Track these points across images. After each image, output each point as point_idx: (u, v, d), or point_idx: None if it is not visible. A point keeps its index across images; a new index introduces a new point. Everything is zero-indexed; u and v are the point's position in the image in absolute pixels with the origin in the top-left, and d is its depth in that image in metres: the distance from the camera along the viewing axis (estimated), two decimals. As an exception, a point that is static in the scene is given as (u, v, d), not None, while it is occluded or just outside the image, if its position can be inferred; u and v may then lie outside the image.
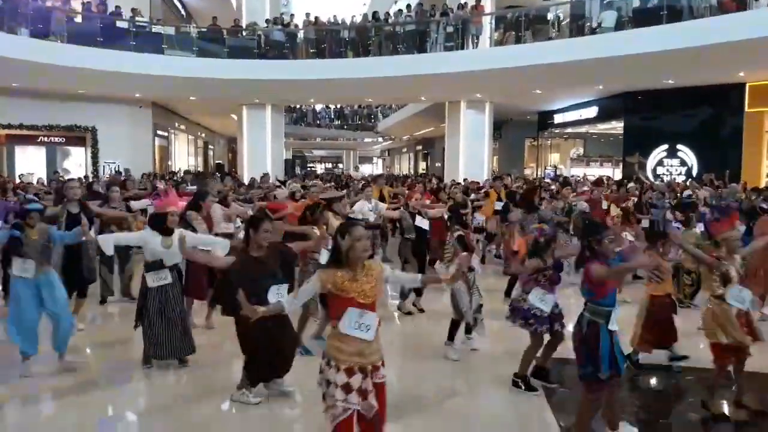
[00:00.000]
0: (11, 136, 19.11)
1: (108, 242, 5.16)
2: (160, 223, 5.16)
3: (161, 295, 5.15)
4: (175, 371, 5.31)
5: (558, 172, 24.86)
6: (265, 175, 18.07)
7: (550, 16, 15.62)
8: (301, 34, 17.97)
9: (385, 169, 50.75)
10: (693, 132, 17.44)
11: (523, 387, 4.85)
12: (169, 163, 24.62)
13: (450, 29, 16.14)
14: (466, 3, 17.03)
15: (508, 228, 9.63)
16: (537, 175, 25.39)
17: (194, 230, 6.05)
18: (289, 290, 4.33)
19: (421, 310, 7.42)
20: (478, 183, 16.24)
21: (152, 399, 4.89)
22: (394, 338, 6.34)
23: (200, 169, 30.02)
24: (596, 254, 3.80)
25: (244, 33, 18.13)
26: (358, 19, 19.18)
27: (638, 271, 7.12)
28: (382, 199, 10.01)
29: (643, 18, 13.09)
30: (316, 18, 18.44)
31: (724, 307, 4.38)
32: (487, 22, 16.59)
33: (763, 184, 14.80)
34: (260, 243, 4.39)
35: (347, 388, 2.96)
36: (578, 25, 14.61)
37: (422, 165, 38.84)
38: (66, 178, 16.95)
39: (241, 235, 5.63)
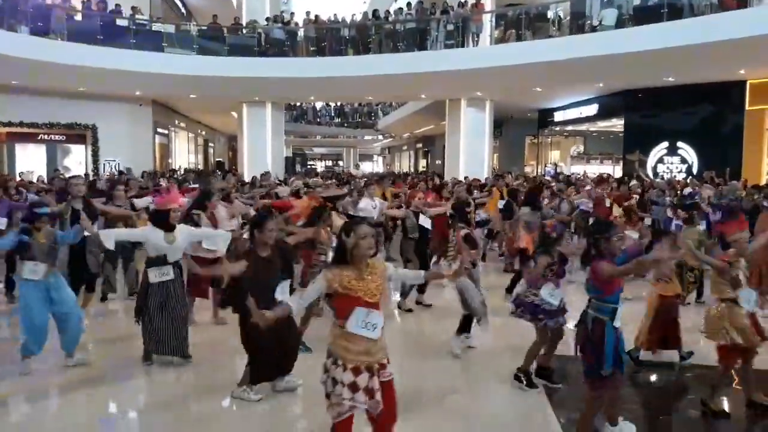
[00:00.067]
0: (11, 134, 19.10)
1: (109, 237, 5.17)
2: (162, 220, 5.17)
3: (163, 291, 5.16)
4: (177, 368, 5.31)
5: (558, 170, 24.86)
6: (267, 173, 18.08)
7: (550, 14, 15.60)
8: (301, 32, 17.97)
9: (385, 166, 50.73)
10: (693, 130, 17.43)
11: (524, 382, 4.86)
12: (170, 161, 24.62)
13: (450, 27, 16.13)
14: (466, 1, 17.04)
15: (511, 226, 9.65)
16: (537, 172, 25.38)
17: (196, 225, 6.08)
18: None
19: (429, 305, 7.44)
20: (480, 180, 16.25)
21: (154, 396, 4.91)
22: (394, 336, 6.34)
23: (200, 166, 30.01)
24: (603, 252, 3.81)
25: (244, 31, 18.12)
26: (359, 17, 19.18)
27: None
28: (384, 198, 10.04)
29: (644, 15, 13.08)
30: (317, 16, 18.43)
31: (736, 310, 4.37)
32: (488, 20, 16.58)
33: (763, 182, 14.79)
34: (266, 242, 4.41)
35: (354, 387, 2.97)
36: (579, 23, 14.59)
37: (422, 163, 38.83)
38: (66, 175, 17.03)
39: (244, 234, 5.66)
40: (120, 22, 16.57)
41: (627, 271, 3.76)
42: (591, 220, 9.53)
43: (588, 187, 11.75)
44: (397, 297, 7.61)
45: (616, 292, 3.80)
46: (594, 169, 23.20)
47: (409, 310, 7.32)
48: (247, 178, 18.04)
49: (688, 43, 11.89)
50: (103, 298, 7.59)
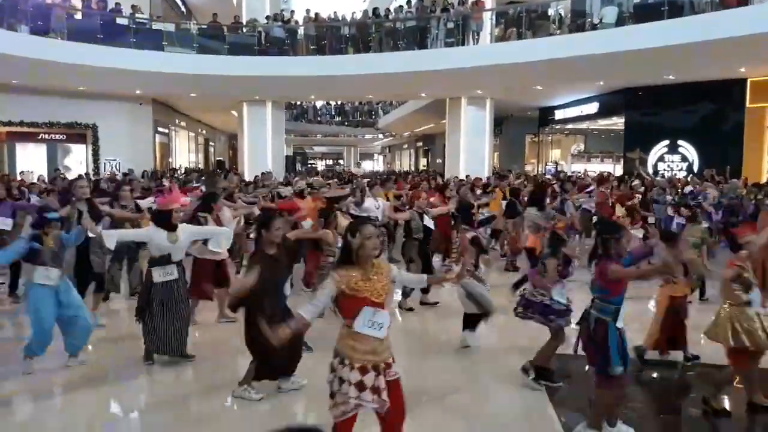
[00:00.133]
0: (12, 134, 19.10)
1: (111, 237, 5.18)
2: (164, 219, 5.19)
3: (166, 290, 5.17)
4: (179, 367, 5.32)
5: (559, 168, 24.85)
6: (268, 173, 18.09)
7: (551, 12, 15.59)
8: (301, 31, 17.95)
9: (385, 165, 50.73)
10: (694, 128, 17.42)
11: (531, 376, 4.84)
12: (170, 160, 24.61)
13: (450, 25, 16.11)
14: (466, -1, 17.01)
15: (514, 225, 9.65)
16: (538, 171, 25.38)
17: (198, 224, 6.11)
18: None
19: (435, 303, 7.46)
20: (481, 179, 16.25)
21: (156, 395, 4.91)
22: (395, 335, 6.30)
23: (201, 166, 30.01)
24: (610, 253, 3.81)
25: (244, 30, 18.10)
26: (359, 15, 19.15)
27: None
28: (386, 199, 10.09)
29: (644, 13, 13.07)
30: (317, 14, 18.42)
31: (746, 313, 4.36)
32: (488, 18, 16.56)
33: (764, 180, 14.79)
34: (273, 240, 4.45)
35: (360, 386, 2.98)
36: (579, 21, 14.57)
37: (423, 161, 38.83)
38: (66, 175, 17.03)
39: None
40: (120, 20, 16.57)
41: (636, 275, 3.77)
42: (594, 219, 9.54)
43: (591, 188, 11.75)
44: (398, 296, 7.61)
45: (621, 293, 3.81)
46: (594, 168, 23.19)
47: (410, 309, 7.32)
48: (247, 177, 18.07)
49: (689, 41, 11.88)
50: (105, 297, 7.60)
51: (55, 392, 4.91)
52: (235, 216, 7.28)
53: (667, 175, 17.01)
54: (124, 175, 17.25)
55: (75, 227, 5.65)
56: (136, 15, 16.89)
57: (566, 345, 4.98)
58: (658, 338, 5.36)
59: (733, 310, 4.41)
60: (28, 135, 19.39)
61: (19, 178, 15.26)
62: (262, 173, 18.20)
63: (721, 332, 4.44)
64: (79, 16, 16.66)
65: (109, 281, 7.44)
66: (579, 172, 21.54)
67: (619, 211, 9.40)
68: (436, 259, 8.39)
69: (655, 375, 5.35)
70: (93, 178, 15.48)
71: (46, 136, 19.74)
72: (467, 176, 17.56)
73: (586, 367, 4.85)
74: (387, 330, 3.09)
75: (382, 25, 17.42)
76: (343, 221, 6.18)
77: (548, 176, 20.65)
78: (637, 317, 5.56)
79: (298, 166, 39.34)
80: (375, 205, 8.70)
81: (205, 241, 6.31)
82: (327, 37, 17.56)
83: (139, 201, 8.09)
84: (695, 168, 17.31)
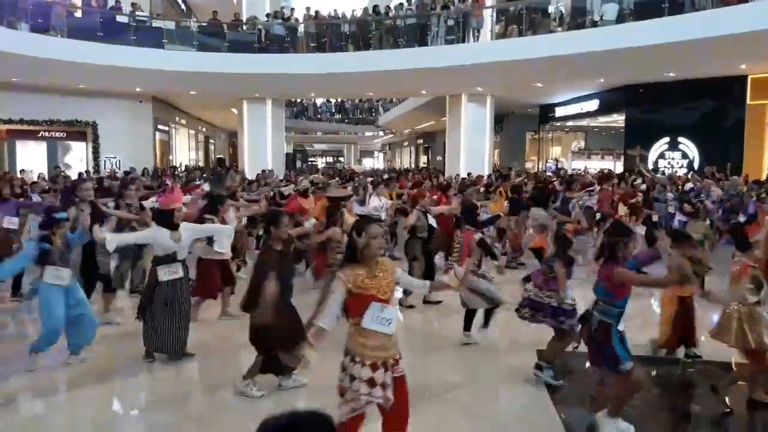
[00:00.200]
0: (12, 131, 19.11)
1: (111, 242, 5.20)
2: (167, 219, 5.22)
3: (171, 289, 5.20)
4: (180, 365, 5.33)
5: (559, 166, 24.83)
6: (270, 171, 18.09)
7: (551, 9, 15.56)
8: (301, 28, 17.93)
9: (386, 163, 50.70)
10: (694, 125, 17.40)
11: (548, 373, 4.86)
12: (170, 157, 24.60)
13: (451, 22, 16.08)
14: (466, -4, 16.96)
15: (517, 223, 9.65)
16: (538, 168, 25.37)
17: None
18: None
19: (438, 302, 7.47)
20: (483, 177, 16.27)
21: (158, 393, 4.92)
22: (398, 332, 6.33)
23: (201, 163, 30.00)
24: (617, 255, 3.81)
25: (244, 27, 18.09)
26: (359, 12, 19.10)
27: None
28: (389, 198, 10.14)
29: (645, 10, 13.03)
30: (317, 12, 18.39)
31: (756, 315, 4.36)
32: (488, 15, 16.52)
33: (764, 177, 14.78)
34: (282, 237, 4.55)
35: (372, 383, 3.02)
36: (579, 18, 14.55)
37: (423, 159, 38.80)
38: (66, 173, 17.04)
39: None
40: (120, 18, 16.56)
41: (649, 283, 3.77)
42: (598, 216, 9.52)
43: (593, 187, 11.75)
44: (399, 294, 7.61)
45: (625, 297, 3.82)
46: (595, 165, 23.16)
47: (411, 306, 7.33)
48: (248, 175, 18.06)
49: (690, 38, 11.86)
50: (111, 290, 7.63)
51: (58, 390, 4.93)
52: (239, 216, 7.32)
53: (667, 172, 17.00)
54: (125, 173, 17.26)
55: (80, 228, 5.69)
56: (136, 13, 16.89)
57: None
58: (670, 337, 5.34)
59: (742, 309, 4.40)
60: (28, 133, 19.39)
61: (19, 176, 15.23)
62: (263, 171, 18.23)
63: (727, 333, 4.44)
64: (79, 13, 16.66)
65: (117, 278, 7.48)
66: (579, 170, 21.53)
67: (622, 210, 9.37)
68: (438, 258, 8.39)
69: (655, 372, 5.35)
70: (96, 177, 15.50)
71: (47, 133, 19.75)
72: (469, 174, 17.55)
73: (587, 365, 4.87)
74: (395, 326, 3.13)
75: (382, 23, 17.40)
76: (350, 219, 6.21)
77: (549, 173, 20.64)
78: (639, 314, 5.56)
79: (299, 164, 39.35)
80: (379, 205, 8.74)
81: (210, 242, 6.34)
82: (327, 34, 17.54)
83: (143, 202, 8.13)
84: (696, 165, 17.30)
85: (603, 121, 23.41)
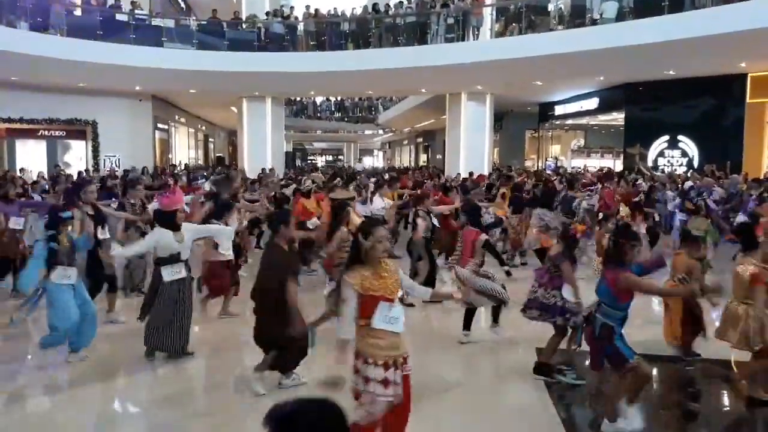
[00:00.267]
0: (11, 130, 19.09)
1: (122, 255, 5.22)
2: (170, 220, 5.23)
3: (174, 288, 5.22)
4: (181, 363, 5.34)
5: (558, 164, 24.83)
6: (271, 170, 18.09)
7: (551, 7, 15.55)
8: (301, 27, 17.91)
9: (385, 161, 50.68)
10: (694, 123, 17.39)
11: (570, 374, 4.90)
12: (170, 156, 24.60)
13: (451, 21, 16.06)
14: (466, -6, 16.94)
15: (520, 220, 9.67)
16: (538, 167, 25.36)
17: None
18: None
19: (439, 301, 7.48)
20: (484, 176, 16.26)
21: (160, 390, 4.94)
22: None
23: (201, 162, 30.00)
24: (623, 258, 3.82)
25: (243, 25, 18.07)
26: (358, 11, 19.09)
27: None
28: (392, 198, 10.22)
29: (645, 8, 13.02)
30: (316, 10, 18.36)
31: (763, 315, 4.36)
32: (488, 14, 16.51)
33: (762, 175, 14.77)
34: (290, 236, 4.64)
35: (386, 383, 3.05)
36: (579, 16, 14.53)
37: (423, 157, 38.79)
38: (66, 171, 17.05)
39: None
40: (119, 17, 16.55)
41: (655, 292, 3.79)
42: (600, 216, 9.51)
43: (595, 186, 11.75)
44: (399, 292, 7.62)
45: (629, 301, 3.83)
46: (594, 163, 23.14)
47: (410, 305, 7.32)
48: (248, 173, 18.05)
49: (689, 36, 11.85)
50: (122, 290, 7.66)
51: (61, 388, 4.95)
52: (241, 218, 7.37)
53: (667, 170, 16.99)
54: (125, 172, 17.26)
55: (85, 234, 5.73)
56: (136, 11, 16.86)
57: (565, 340, 5.01)
58: (682, 337, 5.31)
59: (750, 312, 4.39)
60: (27, 131, 19.38)
61: (19, 174, 15.23)
62: (263, 170, 18.24)
63: (732, 333, 4.44)
64: (78, 12, 16.65)
65: (127, 277, 7.53)
66: (579, 168, 21.53)
67: (624, 210, 9.34)
68: (439, 258, 8.42)
69: (654, 371, 5.36)
70: (99, 176, 15.52)
71: (46, 132, 19.74)
72: (471, 173, 17.52)
73: (586, 362, 4.88)
74: (403, 324, 3.15)
75: (381, 21, 17.38)
76: (356, 219, 6.26)
77: (548, 172, 20.64)
78: (641, 312, 5.56)
79: (298, 162, 39.32)
80: (382, 205, 8.79)
81: (215, 245, 6.37)
82: (327, 33, 17.52)
83: (148, 205, 8.17)
84: (695, 163, 17.29)
85: (603, 119, 23.38)
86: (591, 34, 13.43)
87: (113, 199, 8.71)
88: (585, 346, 4.48)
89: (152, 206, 8.09)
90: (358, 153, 52.05)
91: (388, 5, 18.33)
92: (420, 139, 39.51)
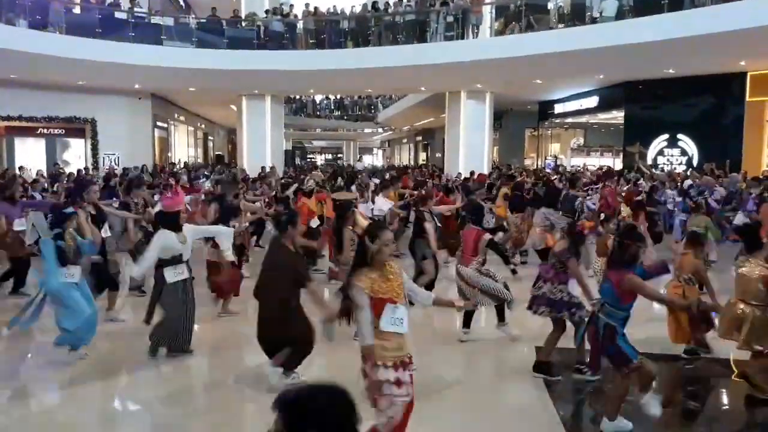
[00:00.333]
0: (10, 128, 19.05)
1: (140, 275, 5.20)
2: (173, 221, 5.25)
3: (177, 289, 5.23)
4: (183, 361, 5.35)
5: (558, 163, 24.83)
6: (272, 168, 18.06)
7: (550, 5, 15.53)
8: (300, 25, 17.88)
9: (385, 159, 50.66)
10: (694, 121, 17.39)
11: (587, 372, 4.90)
12: (169, 154, 24.58)
13: (450, 19, 16.04)
14: (466, -8, 16.92)
15: (523, 219, 9.67)
16: (537, 165, 25.36)
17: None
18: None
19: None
20: (485, 176, 16.25)
21: (162, 388, 4.95)
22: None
23: (200, 160, 29.97)
24: (628, 258, 3.82)
25: (243, 23, 18.04)
26: (358, 9, 19.07)
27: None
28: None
29: (644, 7, 13.01)
30: (316, 8, 18.34)
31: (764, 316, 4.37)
32: (488, 12, 16.50)
33: (761, 174, 14.77)
34: (295, 236, 4.71)
35: (399, 383, 3.08)
36: (579, 15, 14.52)
37: (422, 155, 38.78)
38: (66, 170, 17.03)
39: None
40: (118, 15, 16.51)
41: (656, 298, 3.81)
42: (602, 216, 9.50)
43: (596, 185, 11.74)
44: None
45: (631, 302, 3.84)
46: (594, 162, 23.15)
47: (411, 304, 7.33)
48: (247, 171, 18.03)
49: (689, 35, 11.84)
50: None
51: (62, 386, 4.95)
52: (241, 219, 7.39)
53: (666, 169, 17.00)
54: (124, 170, 17.25)
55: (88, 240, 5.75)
56: (135, 9, 16.83)
57: (566, 339, 5.02)
58: (691, 337, 5.29)
59: (756, 314, 4.38)
60: (26, 129, 19.34)
61: (18, 173, 15.22)
62: (263, 168, 18.23)
63: (737, 334, 4.44)
64: (77, 10, 16.60)
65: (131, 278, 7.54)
66: (578, 167, 21.52)
67: (625, 211, 9.35)
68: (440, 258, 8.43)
69: (658, 369, 5.36)
70: (103, 175, 15.53)
71: (45, 130, 19.71)
72: (472, 173, 17.47)
73: (586, 360, 4.89)
74: (407, 324, 3.17)
75: (381, 19, 17.36)
76: (362, 221, 6.27)
77: (548, 170, 20.63)
78: (642, 311, 5.56)
79: (297, 161, 39.28)
80: (387, 206, 8.82)
81: (215, 245, 6.38)
82: (326, 31, 17.50)
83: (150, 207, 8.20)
84: (695, 162, 17.29)
85: (602, 117, 23.38)
86: (591, 33, 13.41)
87: (114, 198, 8.73)
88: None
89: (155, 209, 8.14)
90: (358, 151, 52.00)
91: (387, 3, 18.30)
92: (419, 138, 39.48)
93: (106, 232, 6.37)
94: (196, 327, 5.55)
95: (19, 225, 7.32)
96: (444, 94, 21.10)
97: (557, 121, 25.39)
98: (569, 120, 24.92)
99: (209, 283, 6.63)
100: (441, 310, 7.08)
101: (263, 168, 18.41)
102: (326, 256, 8.31)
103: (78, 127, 19.84)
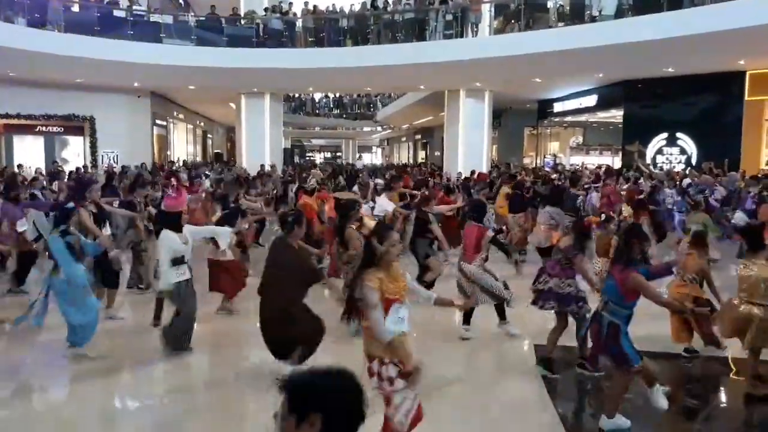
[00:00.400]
0: (9, 126, 19.05)
1: (168, 286, 5.20)
2: (175, 221, 5.27)
3: (178, 288, 5.23)
4: (181, 358, 5.35)
5: (557, 161, 24.84)
6: (272, 167, 18.05)
7: (550, 4, 15.53)
8: (299, 23, 17.87)
9: (384, 158, 50.64)
10: (693, 120, 17.41)
11: (592, 368, 4.91)
12: (168, 152, 24.56)
13: (449, 17, 16.03)
14: (465, -9, 16.91)
15: (526, 217, 9.68)
16: (536, 164, 25.37)
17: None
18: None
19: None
20: (486, 175, 16.24)
21: (161, 385, 4.97)
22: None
23: (199, 158, 29.95)
24: (632, 257, 3.84)
25: (242, 21, 18.03)
26: (357, 7, 19.05)
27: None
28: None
29: (644, 5, 13.02)
30: (315, 6, 18.34)
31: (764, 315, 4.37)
32: (487, 10, 16.49)
33: (760, 173, 14.79)
34: (300, 236, 4.77)
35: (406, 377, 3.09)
36: (578, 13, 14.52)
37: (421, 154, 38.78)
38: (65, 168, 17.01)
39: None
40: (117, 12, 16.48)
41: (659, 301, 3.84)
42: (603, 216, 9.51)
43: (597, 185, 11.75)
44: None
45: (635, 300, 3.86)
46: (593, 161, 23.15)
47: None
48: (250, 170, 18.01)
49: (688, 34, 11.85)
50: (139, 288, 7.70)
51: (63, 383, 4.97)
52: (245, 222, 7.40)
53: (665, 167, 17.00)
54: (123, 168, 17.23)
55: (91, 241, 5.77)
56: (134, 7, 16.81)
57: (567, 336, 5.02)
58: (703, 332, 5.29)
59: (762, 314, 4.39)
60: (25, 127, 19.34)
61: (17, 170, 15.21)
62: (262, 166, 18.23)
63: (743, 334, 4.45)
64: (76, 8, 16.57)
65: (135, 278, 7.55)
66: (577, 165, 21.52)
67: (626, 210, 9.35)
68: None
69: (658, 368, 5.37)
70: (105, 172, 15.52)
71: (44, 128, 19.71)
72: (472, 172, 17.46)
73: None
74: (409, 322, 3.20)
75: (380, 17, 17.36)
76: (369, 222, 6.28)
77: (547, 169, 20.63)
78: (646, 308, 5.57)
79: (296, 159, 39.25)
80: (390, 207, 8.83)
81: (216, 244, 6.39)
82: (325, 29, 17.49)
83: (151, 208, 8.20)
84: (694, 161, 17.31)
85: (601, 116, 23.39)
86: (590, 31, 13.42)
87: (116, 197, 8.74)
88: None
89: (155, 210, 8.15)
90: (357, 150, 51.98)
91: (386, 1, 18.30)
92: (418, 136, 39.47)
93: (106, 231, 6.39)
94: (195, 325, 5.56)
95: (21, 226, 7.35)
96: (443, 93, 21.10)
97: (556, 119, 25.40)
98: (568, 118, 24.93)
99: (211, 284, 6.62)
100: (440, 309, 7.10)
101: (262, 166, 18.39)
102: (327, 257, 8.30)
103: (77, 125, 19.82)
